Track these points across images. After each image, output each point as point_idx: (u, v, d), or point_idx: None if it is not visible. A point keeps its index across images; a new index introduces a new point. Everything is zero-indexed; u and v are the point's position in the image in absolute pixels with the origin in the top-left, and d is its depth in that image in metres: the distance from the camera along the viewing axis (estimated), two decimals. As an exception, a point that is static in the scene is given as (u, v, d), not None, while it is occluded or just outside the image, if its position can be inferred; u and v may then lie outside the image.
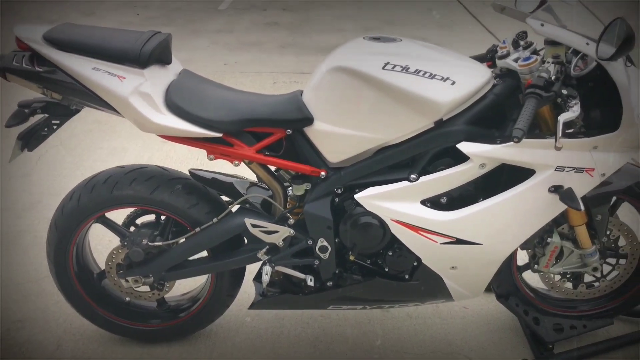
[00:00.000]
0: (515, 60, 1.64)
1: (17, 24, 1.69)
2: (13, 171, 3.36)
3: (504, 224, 1.70)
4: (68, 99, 1.70)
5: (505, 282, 2.01)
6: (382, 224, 1.72)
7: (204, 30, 6.53)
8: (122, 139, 3.74)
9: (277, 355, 2.05)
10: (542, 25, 1.57)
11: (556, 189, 1.64)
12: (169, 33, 1.75)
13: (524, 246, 1.97)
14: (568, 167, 1.63)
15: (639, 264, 2.02)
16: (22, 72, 1.65)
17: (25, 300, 2.32)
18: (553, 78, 1.57)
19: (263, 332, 2.16)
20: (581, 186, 1.65)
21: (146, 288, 1.97)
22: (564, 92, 1.54)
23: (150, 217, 1.97)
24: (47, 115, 1.76)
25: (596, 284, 2.02)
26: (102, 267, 2.02)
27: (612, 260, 2.01)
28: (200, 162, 3.04)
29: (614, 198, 1.92)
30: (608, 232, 1.93)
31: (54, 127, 1.80)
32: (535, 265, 1.95)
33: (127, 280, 1.91)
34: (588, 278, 2.03)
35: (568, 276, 2.00)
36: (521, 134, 1.43)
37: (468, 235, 1.71)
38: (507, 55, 1.69)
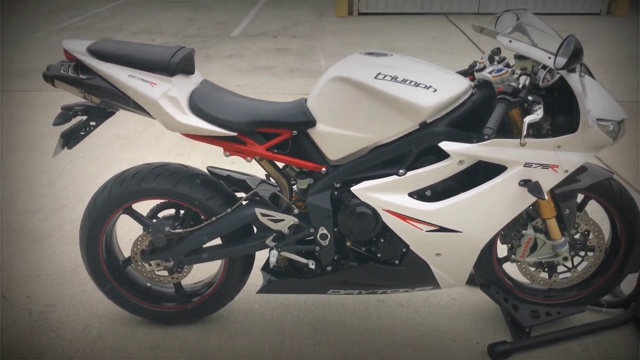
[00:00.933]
0: (490, 73, 1.91)
1: (64, 39, 1.99)
2: (40, 179, 3.65)
3: (480, 213, 1.95)
4: (106, 102, 1.98)
5: (487, 272, 2.24)
6: (375, 213, 1.97)
7: (217, 55, 6.89)
8: (141, 152, 4.02)
9: (282, 336, 2.28)
10: (510, 41, 1.85)
11: (525, 183, 1.90)
12: (192, 48, 2.04)
13: (503, 240, 2.23)
14: (535, 164, 1.88)
15: (606, 256, 2.25)
16: (68, 79, 1.93)
17: (56, 288, 2.57)
18: (521, 87, 1.85)
19: (269, 316, 2.39)
20: (547, 180, 1.90)
21: (165, 273, 2.22)
22: (530, 98, 1.81)
23: (171, 211, 2.23)
24: (86, 117, 2.04)
25: (568, 274, 2.25)
26: (126, 255, 2.28)
27: (582, 253, 2.24)
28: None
29: (582, 196, 2.17)
30: (577, 226, 2.16)
31: (91, 128, 2.08)
32: (513, 256, 2.19)
33: (150, 264, 2.16)
34: (562, 269, 2.26)
35: (543, 265, 2.23)
36: (491, 132, 1.69)
37: (449, 223, 1.95)
38: (484, 68, 1.96)
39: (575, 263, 2.24)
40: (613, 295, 2.45)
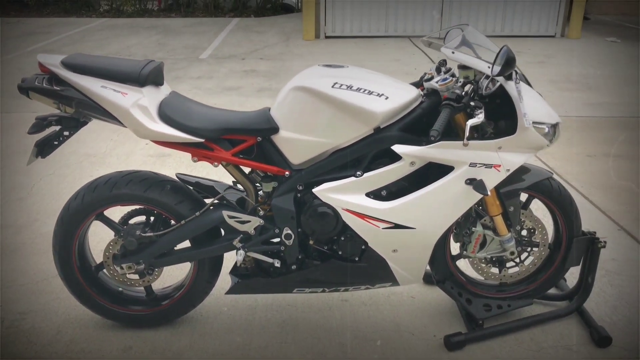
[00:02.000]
0: (437, 82, 2.09)
1: (39, 54, 2.10)
2: (10, 196, 3.70)
3: (431, 210, 2.11)
4: (79, 112, 2.09)
5: (442, 269, 2.40)
6: (335, 213, 2.12)
7: (186, 76, 7.03)
8: (111, 169, 4.09)
9: (250, 335, 2.38)
10: (453, 52, 2.04)
11: (471, 181, 2.07)
12: (161, 61, 2.18)
13: (455, 238, 2.39)
14: (479, 164, 2.06)
15: (550, 252, 2.44)
16: (43, 90, 2.05)
17: (28, 297, 2.63)
18: (464, 94, 2.03)
19: (237, 318, 2.49)
20: (491, 179, 2.08)
21: (136, 276, 2.31)
22: (472, 104, 1.99)
23: (141, 218, 2.33)
24: (60, 126, 2.14)
25: (516, 268, 2.43)
26: (98, 261, 2.37)
27: (528, 249, 2.42)
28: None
29: (527, 196, 2.35)
30: (522, 223, 2.34)
31: (65, 137, 2.18)
32: (464, 252, 2.35)
33: (121, 267, 2.25)
34: (510, 265, 2.43)
35: (493, 260, 2.40)
36: (436, 133, 1.86)
37: (403, 220, 2.11)
38: (432, 78, 2.15)
39: (522, 258, 2.41)
40: (559, 289, 2.63)
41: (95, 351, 2.29)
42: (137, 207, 2.30)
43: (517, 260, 2.40)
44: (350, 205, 2.10)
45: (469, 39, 2.16)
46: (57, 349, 2.30)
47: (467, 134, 1.91)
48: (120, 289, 2.42)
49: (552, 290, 2.60)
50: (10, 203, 3.60)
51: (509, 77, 2.00)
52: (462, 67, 2.11)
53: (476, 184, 2.05)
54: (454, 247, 2.42)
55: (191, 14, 13.15)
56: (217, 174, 3.41)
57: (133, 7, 13.35)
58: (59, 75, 2.03)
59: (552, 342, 2.34)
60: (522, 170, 2.28)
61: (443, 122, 1.90)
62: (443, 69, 2.17)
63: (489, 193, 2.05)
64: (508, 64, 1.88)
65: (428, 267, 2.34)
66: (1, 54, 8.24)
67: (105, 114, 2.06)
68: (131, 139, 4.71)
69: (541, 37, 10.02)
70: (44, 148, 2.17)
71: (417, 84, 2.30)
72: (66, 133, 2.18)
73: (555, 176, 2.35)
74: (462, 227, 2.34)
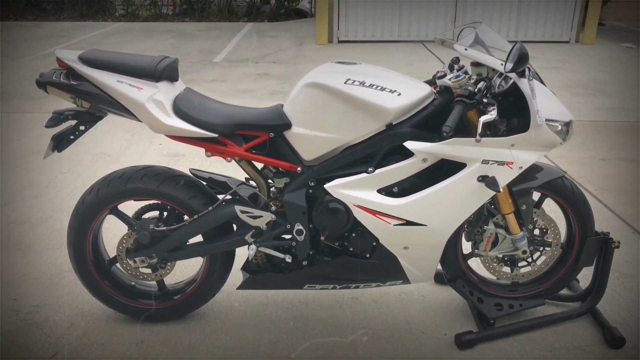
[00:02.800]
0: (449, 79, 2.09)
1: (57, 49, 2.14)
2: (25, 193, 3.75)
3: (443, 207, 2.11)
4: (95, 106, 2.12)
5: (453, 268, 2.39)
6: (347, 209, 2.13)
7: (200, 79, 7.09)
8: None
9: (261, 330, 2.39)
10: (466, 49, 2.04)
11: (483, 179, 2.07)
12: (176, 58, 2.21)
13: (467, 237, 2.39)
14: (492, 161, 2.06)
15: (563, 252, 2.43)
16: (60, 84, 2.08)
17: (42, 291, 2.66)
18: (476, 91, 2.03)
19: (249, 314, 2.51)
20: (503, 176, 2.07)
21: (149, 271, 2.33)
22: (485, 100, 1.99)
23: (154, 214, 2.36)
24: (76, 121, 2.17)
25: (529, 268, 2.41)
26: (112, 255, 2.39)
27: (540, 248, 2.40)
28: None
29: (539, 195, 2.35)
30: (534, 222, 2.33)
31: (81, 132, 2.21)
32: (476, 250, 2.35)
33: (134, 261, 2.27)
34: (522, 264, 2.42)
35: (505, 259, 2.39)
36: (449, 129, 1.87)
37: (415, 217, 2.11)
38: (444, 76, 2.15)
39: (534, 257, 2.40)
40: (571, 291, 2.61)
41: (107, 344, 2.31)
42: (151, 202, 2.32)
43: (529, 259, 2.39)
44: (361, 202, 2.11)
45: (482, 37, 2.16)
46: (70, 341, 2.32)
47: (479, 130, 1.91)
48: (132, 283, 2.44)
49: (565, 292, 2.58)
50: (26, 200, 3.65)
51: (522, 75, 2.00)
52: (475, 65, 2.11)
53: (488, 181, 2.05)
54: (466, 247, 2.41)
55: (205, 18, 13.26)
56: (231, 171, 3.43)
57: (148, 11, 13.49)
58: (76, 70, 2.06)
59: (564, 343, 2.32)
60: (535, 168, 2.27)
61: (455, 118, 1.91)
62: (456, 66, 2.17)
63: (501, 190, 2.04)
64: (521, 61, 1.88)
65: (439, 267, 2.34)
66: (11, 56, 8.37)
67: (121, 109, 2.09)
68: (145, 138, 4.76)
69: (555, 42, 9.98)
70: (60, 142, 2.20)
71: (430, 83, 2.30)
72: (82, 127, 2.21)
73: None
74: (473, 226, 2.34)
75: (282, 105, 2.18)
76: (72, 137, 2.21)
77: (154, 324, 2.42)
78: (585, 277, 2.64)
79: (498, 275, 2.42)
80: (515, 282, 2.46)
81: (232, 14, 13.62)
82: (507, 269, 2.42)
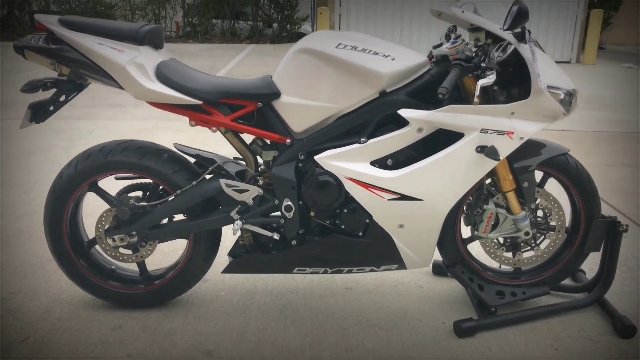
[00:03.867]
0: (446, 47, 2.00)
1: (37, 14, 2.06)
2: (13, 190, 3.63)
3: (440, 180, 1.98)
4: (75, 72, 2.03)
5: (452, 253, 2.26)
6: (338, 182, 2.01)
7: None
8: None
9: (247, 318, 2.25)
10: (462, 11, 1.95)
11: (482, 149, 1.95)
12: (161, 25, 2.12)
13: (467, 222, 2.26)
14: (491, 130, 1.94)
15: (568, 236, 2.29)
16: (39, 49, 1.99)
17: (19, 279, 2.52)
18: (474, 55, 1.93)
19: (235, 302, 2.36)
20: (503, 147, 1.96)
21: (129, 251, 2.20)
22: (482, 65, 1.89)
23: (138, 194, 2.23)
24: (55, 89, 2.08)
25: (532, 252, 2.27)
26: (91, 236, 2.27)
27: (543, 229, 2.27)
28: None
29: (541, 174, 2.22)
30: (537, 202, 2.20)
31: (60, 103, 2.11)
32: (476, 232, 2.21)
33: (114, 239, 2.14)
34: (525, 248, 2.28)
35: (507, 244, 2.25)
36: (445, 90, 1.76)
37: (410, 191, 1.99)
38: (441, 45, 2.06)
39: (537, 241, 2.26)
40: (577, 282, 2.47)
41: (82, 329, 2.16)
42: (134, 181, 2.21)
43: (532, 242, 2.25)
44: (353, 174, 1.99)
45: (481, 11, 2.08)
46: (44, 327, 2.18)
47: (477, 92, 1.81)
48: (112, 267, 2.31)
49: (570, 282, 2.44)
50: (13, 196, 3.53)
51: (522, 39, 1.91)
52: (472, 30, 2.02)
53: (488, 150, 1.93)
54: (466, 233, 2.28)
55: (208, 40, 13.34)
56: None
57: (151, 33, 13.58)
58: (55, 33, 1.97)
59: (571, 332, 2.16)
60: (537, 145, 2.16)
61: (452, 80, 1.80)
62: (453, 35, 2.08)
63: (501, 158, 1.92)
64: (520, 16, 1.78)
65: (437, 256, 2.21)
66: (10, 71, 8.37)
67: (102, 74, 1.99)
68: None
69: (557, 62, 9.95)
70: (38, 113, 2.10)
71: (429, 57, 2.21)
72: (62, 98, 2.11)
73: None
74: (473, 208, 2.21)
75: (271, 76, 2.08)
76: (51, 108, 2.11)
77: (133, 310, 2.28)
78: (591, 270, 2.50)
79: (499, 260, 2.27)
80: (517, 268, 2.32)
81: (235, 36, 13.70)
82: (509, 254, 2.28)
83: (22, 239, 2.93)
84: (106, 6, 13.59)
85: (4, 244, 2.86)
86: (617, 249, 2.24)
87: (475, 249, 2.46)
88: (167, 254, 2.71)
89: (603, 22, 10.59)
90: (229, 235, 2.37)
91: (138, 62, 1.96)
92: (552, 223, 2.24)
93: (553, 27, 9.86)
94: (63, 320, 2.23)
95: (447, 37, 2.09)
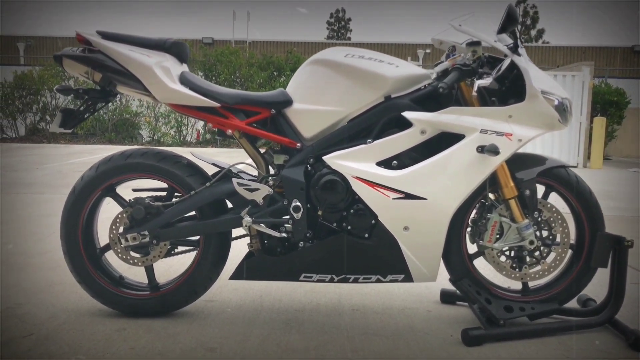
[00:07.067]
0: (446, 61, 2.18)
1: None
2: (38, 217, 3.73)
3: (443, 179, 2.07)
4: (106, 77, 2.21)
5: (459, 267, 2.27)
6: (345, 180, 2.09)
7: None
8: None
9: (251, 327, 2.22)
10: (460, 25, 2.15)
11: (482, 149, 2.05)
12: (186, 43, 2.34)
13: (472, 239, 2.30)
14: (490, 131, 2.06)
15: (574, 252, 2.30)
16: (76, 57, 2.19)
17: (28, 294, 2.54)
18: (472, 62, 2.11)
19: (241, 317, 2.33)
20: (503, 148, 2.05)
21: (138, 255, 2.24)
22: (480, 70, 2.06)
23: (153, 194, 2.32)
24: (86, 96, 2.25)
25: (539, 266, 2.27)
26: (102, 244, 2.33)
27: (549, 243, 2.28)
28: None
29: (543, 188, 2.29)
30: (541, 213, 2.24)
31: (91, 112, 2.29)
32: (481, 242, 2.24)
33: (126, 239, 2.20)
34: (531, 263, 2.28)
35: (513, 257, 2.26)
36: (445, 85, 1.92)
37: (414, 189, 2.06)
38: (442, 62, 2.24)
39: (543, 255, 2.26)
40: (582, 306, 2.43)
41: (87, 329, 2.15)
42: (150, 193, 2.31)
43: (539, 256, 2.26)
44: (359, 173, 2.08)
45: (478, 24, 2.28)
46: (48, 326, 2.17)
47: (474, 89, 1.95)
48: (120, 275, 2.34)
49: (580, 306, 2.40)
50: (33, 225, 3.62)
51: (515, 50, 2.08)
52: (470, 44, 2.20)
53: (488, 148, 2.03)
54: (471, 249, 2.30)
55: (227, 146, 13.92)
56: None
57: (173, 139, 14.24)
58: (92, 42, 2.19)
59: (582, 345, 2.11)
60: (537, 157, 2.26)
61: (452, 78, 1.96)
62: (452, 55, 2.26)
63: (500, 151, 2.01)
64: (509, 19, 1.97)
65: (446, 287, 2.22)
66: (37, 163, 8.76)
67: (130, 77, 2.16)
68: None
69: (564, 167, 10.17)
70: (69, 119, 2.26)
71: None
72: (92, 107, 2.28)
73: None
74: (477, 221, 2.26)
75: (284, 89, 2.26)
76: (81, 115, 2.28)
77: (138, 317, 2.27)
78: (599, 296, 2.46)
79: (506, 272, 2.27)
80: (525, 283, 2.30)
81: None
82: (515, 267, 2.27)
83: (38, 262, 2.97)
84: (132, 113, 14.39)
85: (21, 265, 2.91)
86: (625, 265, 2.24)
87: (483, 269, 2.45)
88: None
89: (606, 135, 10.99)
90: (239, 248, 2.42)
91: (164, 66, 2.15)
92: (557, 236, 2.26)
93: (558, 133, 10.21)
94: (68, 323, 2.22)
95: (447, 57, 2.28)
